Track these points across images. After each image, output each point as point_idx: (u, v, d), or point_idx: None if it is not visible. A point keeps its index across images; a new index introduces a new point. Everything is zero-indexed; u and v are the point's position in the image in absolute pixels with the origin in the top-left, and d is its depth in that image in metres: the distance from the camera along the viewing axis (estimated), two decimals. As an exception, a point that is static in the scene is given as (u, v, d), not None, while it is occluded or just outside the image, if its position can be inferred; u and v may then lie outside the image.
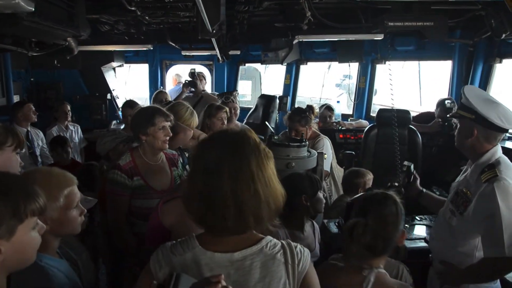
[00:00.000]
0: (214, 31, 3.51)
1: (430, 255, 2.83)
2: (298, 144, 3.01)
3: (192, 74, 6.34)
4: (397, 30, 4.22)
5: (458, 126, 2.66)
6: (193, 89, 6.42)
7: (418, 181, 3.09)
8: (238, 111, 5.36)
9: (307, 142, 3.10)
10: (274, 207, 1.44)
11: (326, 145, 4.21)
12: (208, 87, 8.55)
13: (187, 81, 6.37)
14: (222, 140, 1.50)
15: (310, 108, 4.35)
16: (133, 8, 4.25)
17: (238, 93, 5.67)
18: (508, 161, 2.49)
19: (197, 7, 2.72)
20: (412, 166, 3.13)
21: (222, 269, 1.40)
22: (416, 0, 3.64)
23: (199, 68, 8.85)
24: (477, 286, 2.54)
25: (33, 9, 2.66)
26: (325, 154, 3.20)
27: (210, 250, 1.45)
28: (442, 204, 2.89)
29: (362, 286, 1.88)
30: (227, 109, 4.41)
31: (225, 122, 4.21)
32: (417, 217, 3.80)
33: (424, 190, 3.10)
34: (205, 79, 6.72)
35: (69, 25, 4.09)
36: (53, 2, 3.82)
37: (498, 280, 2.58)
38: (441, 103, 5.42)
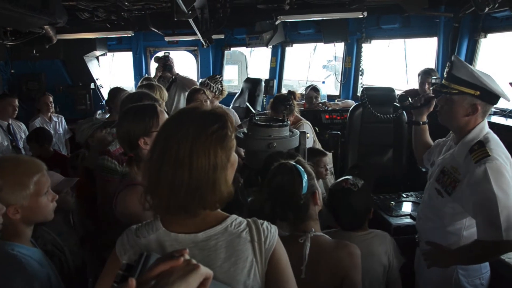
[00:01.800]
0: (189, 12, 3.42)
1: (417, 236, 2.80)
2: (280, 124, 2.96)
3: (166, 57, 6.26)
4: (377, 5, 4.16)
5: (451, 102, 2.42)
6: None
7: (427, 112, 2.88)
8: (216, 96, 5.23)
9: (288, 122, 3.05)
10: (204, 196, 1.37)
11: (307, 129, 4.16)
12: (193, 73, 8.50)
13: (160, 65, 6.29)
14: (172, 120, 1.47)
15: (292, 94, 4.30)
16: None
17: (222, 78, 5.57)
18: (496, 137, 2.40)
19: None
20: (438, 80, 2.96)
21: None
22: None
23: (184, 54, 8.78)
24: (466, 266, 2.52)
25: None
26: (307, 133, 3.14)
27: (174, 232, 1.42)
28: (425, 149, 2.87)
29: (303, 252, 1.94)
30: (205, 90, 4.35)
31: (205, 103, 4.15)
32: (403, 194, 3.80)
33: (425, 122, 2.92)
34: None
35: (44, 12, 3.98)
36: (26, -12, 3.71)
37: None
38: (422, 73, 5.48)
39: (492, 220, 2.17)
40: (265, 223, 1.48)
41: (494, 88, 2.28)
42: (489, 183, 2.18)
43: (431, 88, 5.24)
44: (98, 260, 2.10)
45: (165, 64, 6.27)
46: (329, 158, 4.51)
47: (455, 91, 2.37)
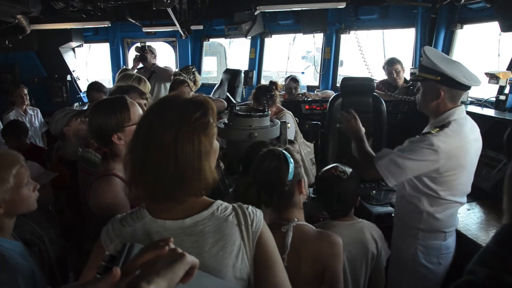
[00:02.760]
0: (168, 1, 3.38)
1: (393, 214, 2.91)
2: (260, 113, 2.95)
3: (142, 48, 6.19)
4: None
5: (421, 89, 2.66)
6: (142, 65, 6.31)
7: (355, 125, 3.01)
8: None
9: (269, 112, 3.05)
10: (190, 183, 1.37)
11: (289, 119, 4.16)
12: (172, 64, 8.41)
13: (137, 56, 6.21)
14: (154, 109, 1.46)
15: (273, 84, 4.29)
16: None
17: (195, 69, 5.50)
18: (461, 127, 2.50)
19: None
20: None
21: (174, 237, 1.34)
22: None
23: (162, 45, 8.67)
24: (426, 243, 2.67)
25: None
26: (288, 123, 3.15)
27: (160, 218, 1.41)
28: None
29: (285, 241, 1.96)
30: (189, 81, 4.32)
31: (188, 95, 4.10)
32: (383, 183, 3.82)
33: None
34: (154, 53, 6.62)
35: (16, 1, 3.87)
36: (-4, -25, 3.60)
37: (452, 236, 2.72)
38: (386, 63, 5.80)
39: (385, 151, 2.56)
40: (250, 207, 1.49)
41: (452, 72, 2.41)
42: (409, 141, 2.50)
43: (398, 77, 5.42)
44: (78, 252, 2.06)
45: (142, 55, 6.19)
46: (310, 148, 4.54)
47: (421, 78, 2.59)
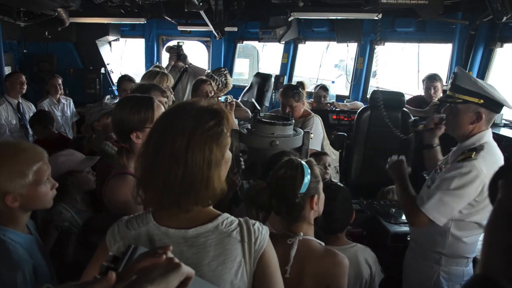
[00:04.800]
0: (201, 4, 3.40)
1: (409, 237, 2.83)
2: (284, 122, 2.93)
3: (180, 47, 6.22)
4: (391, 7, 4.10)
5: (457, 111, 2.48)
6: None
7: (440, 132, 2.90)
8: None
9: (293, 121, 3.02)
10: (198, 192, 1.36)
11: (317, 124, 4.11)
12: (204, 64, 8.48)
13: (175, 54, 6.23)
14: (168, 114, 1.46)
15: (300, 84, 4.26)
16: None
17: (227, 71, 5.48)
18: (495, 148, 2.45)
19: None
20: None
21: (175, 245, 1.35)
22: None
23: (196, 44, 8.76)
24: (449, 269, 2.56)
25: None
26: (311, 133, 3.11)
27: (164, 226, 1.41)
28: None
29: (290, 254, 1.93)
30: (211, 81, 4.34)
31: (210, 94, 4.13)
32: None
33: (438, 145, 2.94)
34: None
35: (57, -5, 3.98)
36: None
37: (470, 264, 2.62)
38: (426, 78, 5.54)
39: (430, 192, 2.42)
40: (257, 223, 1.47)
41: (497, 96, 2.36)
42: (455, 172, 2.37)
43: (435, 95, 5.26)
44: (81, 244, 2.08)
45: (179, 54, 6.22)
46: (335, 155, 4.48)
47: (460, 100, 2.45)
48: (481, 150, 2.37)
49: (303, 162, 2.03)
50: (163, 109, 2.31)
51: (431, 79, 5.53)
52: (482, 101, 2.38)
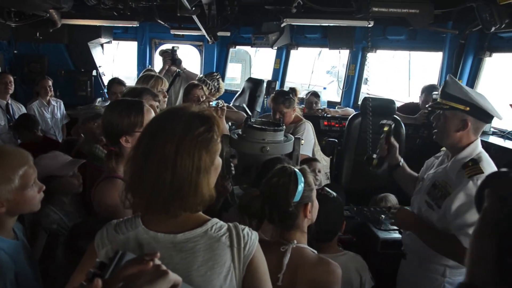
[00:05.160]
0: (193, 9, 3.40)
1: (403, 248, 2.78)
2: (274, 128, 2.93)
3: (174, 51, 6.18)
4: (382, 16, 4.14)
5: (444, 118, 2.50)
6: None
7: (397, 150, 2.96)
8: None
9: (284, 127, 3.02)
10: (186, 198, 1.36)
11: (308, 130, 4.12)
12: (197, 68, 8.47)
13: (169, 58, 6.18)
14: (158, 119, 1.46)
15: (293, 90, 4.28)
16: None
17: (219, 76, 5.45)
18: (488, 157, 2.45)
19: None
20: (392, 127, 2.99)
21: (164, 250, 1.35)
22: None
23: (188, 48, 8.75)
24: (453, 280, 2.50)
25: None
26: (302, 139, 3.11)
27: (153, 230, 1.40)
28: (413, 182, 2.87)
29: (283, 261, 1.92)
30: (202, 86, 4.34)
31: (202, 99, 4.13)
32: (393, 208, 3.75)
33: (402, 162, 2.97)
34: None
35: (49, -4, 3.96)
36: (32, -30, 3.69)
37: None
38: (425, 90, 5.45)
39: (472, 229, 2.18)
40: (246, 228, 1.47)
41: (483, 104, 2.35)
42: (464, 201, 2.27)
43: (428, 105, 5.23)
44: (68, 247, 2.06)
45: (174, 58, 6.18)
46: (326, 161, 4.49)
47: (447, 106, 2.46)
48: (481, 161, 2.36)
49: (296, 170, 2.02)
50: (153, 113, 2.30)
51: (430, 91, 5.39)
52: (468, 108, 2.37)
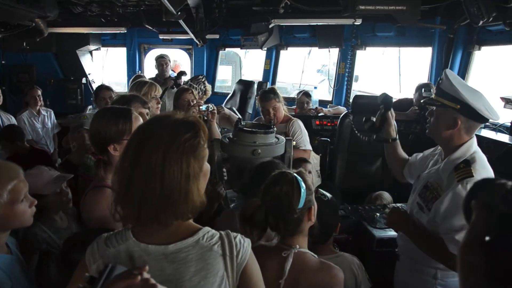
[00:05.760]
0: (178, 14, 3.38)
1: (397, 250, 2.76)
2: (265, 130, 2.91)
3: (182, 74, 6.11)
4: (369, 14, 4.14)
5: (435, 114, 2.44)
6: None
7: (391, 127, 2.82)
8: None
9: (275, 129, 3.00)
10: (176, 205, 1.34)
11: (301, 125, 4.20)
12: (187, 72, 8.44)
13: (173, 80, 6.06)
14: (144, 127, 1.45)
15: (272, 89, 4.35)
16: (101, -11, 4.09)
17: (205, 78, 5.39)
18: (483, 157, 2.37)
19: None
20: (390, 99, 2.81)
21: (156, 262, 1.34)
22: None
23: (178, 52, 8.73)
24: (445, 282, 2.45)
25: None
26: (294, 141, 3.11)
27: (143, 242, 1.38)
28: (401, 163, 2.83)
29: (284, 266, 1.89)
30: (192, 90, 4.32)
31: (192, 103, 4.12)
32: (388, 206, 3.75)
33: (395, 138, 2.84)
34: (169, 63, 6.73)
35: (33, 5, 3.92)
36: (16, -19, 3.66)
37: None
38: (419, 88, 5.40)
39: (458, 234, 2.17)
40: (239, 236, 1.45)
41: (474, 103, 2.25)
42: (450, 205, 2.21)
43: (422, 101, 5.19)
44: (61, 261, 2.03)
45: (177, 83, 5.95)
46: (316, 159, 4.49)
47: (438, 103, 2.39)
48: (474, 163, 2.28)
49: (296, 176, 1.98)
50: (141, 121, 2.27)
51: (427, 89, 5.31)
52: (458, 106, 2.29)
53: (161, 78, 6.26)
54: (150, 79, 6.21)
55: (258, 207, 1.96)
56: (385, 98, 2.79)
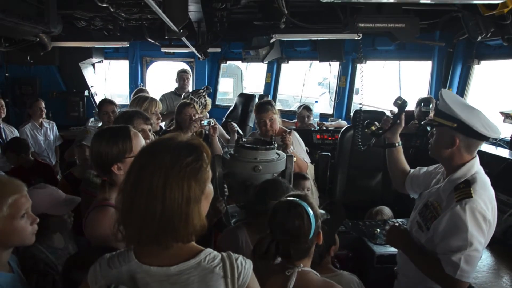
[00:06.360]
0: (181, 31, 3.43)
1: (395, 268, 2.76)
2: (266, 146, 2.94)
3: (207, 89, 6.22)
4: (369, 31, 4.19)
5: (435, 134, 2.46)
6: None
7: (399, 130, 2.82)
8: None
9: (276, 145, 3.03)
10: (177, 228, 1.36)
11: (298, 138, 4.25)
12: (189, 84, 8.51)
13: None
14: (147, 150, 1.48)
15: (269, 101, 4.40)
16: (105, 5, 4.14)
17: (205, 92, 5.41)
18: (485, 178, 2.36)
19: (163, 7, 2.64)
20: (405, 104, 2.79)
21: (158, 284, 1.36)
22: (388, 2, 3.58)
23: (180, 65, 8.78)
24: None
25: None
26: (295, 157, 3.13)
27: (146, 264, 1.40)
28: (402, 173, 2.83)
29: (287, 285, 1.90)
30: (194, 105, 4.36)
31: (194, 117, 4.15)
32: (389, 221, 3.76)
33: (400, 144, 2.86)
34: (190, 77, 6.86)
35: (38, 21, 3.97)
36: (22, -2, 3.72)
37: None
38: (420, 102, 5.41)
39: (454, 255, 2.19)
40: (240, 258, 1.46)
41: (469, 121, 2.25)
42: (465, 222, 2.17)
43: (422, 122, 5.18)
44: (64, 280, 2.03)
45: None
46: (310, 170, 4.49)
47: (436, 123, 2.41)
48: (474, 184, 2.27)
49: (306, 207, 1.98)
50: (141, 137, 2.29)
51: (427, 104, 5.29)
52: (455, 125, 2.29)
53: (180, 92, 6.33)
54: (169, 92, 6.33)
55: (271, 242, 1.97)
56: (404, 101, 2.77)
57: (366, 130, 2.94)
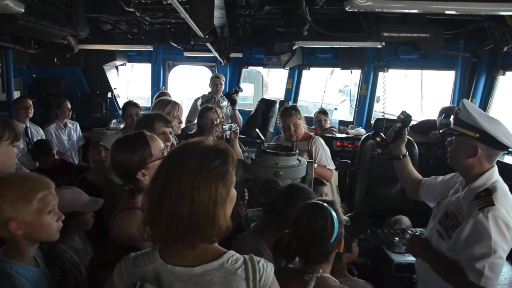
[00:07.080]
0: (206, 37, 3.48)
1: (415, 276, 2.75)
2: (288, 152, 2.96)
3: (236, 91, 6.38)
4: (392, 40, 4.18)
5: (454, 144, 2.45)
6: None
7: (403, 143, 2.91)
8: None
9: (297, 151, 3.05)
10: (203, 229, 1.39)
11: (323, 144, 4.26)
12: (221, 89, 8.59)
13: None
14: (175, 153, 1.50)
15: (294, 107, 4.43)
16: (131, 10, 4.23)
17: (240, 89, 5.43)
18: (505, 187, 2.36)
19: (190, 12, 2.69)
20: (409, 118, 2.90)
21: (182, 284, 1.40)
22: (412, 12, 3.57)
23: (201, 69, 8.87)
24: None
25: (23, 10, 2.65)
26: (315, 164, 3.14)
27: (170, 264, 1.44)
28: (414, 183, 2.83)
29: None
30: (216, 109, 4.40)
31: (215, 122, 4.19)
32: (408, 230, 3.74)
33: (406, 155, 2.92)
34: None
35: (67, 25, 4.08)
36: (51, 2, 3.81)
37: None
38: (442, 112, 5.35)
39: (478, 263, 2.17)
40: (262, 261, 1.49)
41: (493, 131, 2.26)
42: (488, 229, 2.17)
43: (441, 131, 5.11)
44: (89, 280, 2.08)
45: (232, 98, 6.40)
46: (334, 176, 4.48)
47: (457, 132, 2.40)
48: (495, 192, 2.27)
49: (332, 212, 2.00)
50: (158, 139, 2.33)
51: (449, 114, 5.13)
52: (477, 135, 2.29)
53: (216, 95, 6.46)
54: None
55: (292, 239, 2.00)
56: (407, 115, 2.87)
57: (372, 140, 2.99)
